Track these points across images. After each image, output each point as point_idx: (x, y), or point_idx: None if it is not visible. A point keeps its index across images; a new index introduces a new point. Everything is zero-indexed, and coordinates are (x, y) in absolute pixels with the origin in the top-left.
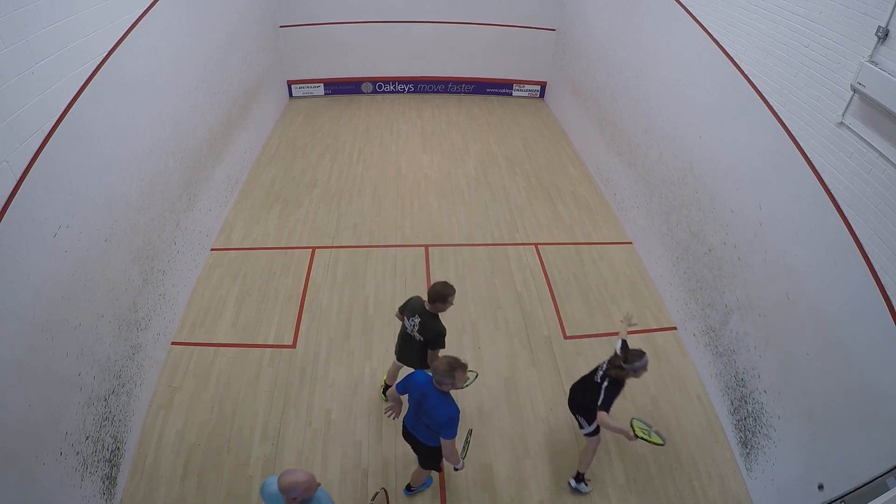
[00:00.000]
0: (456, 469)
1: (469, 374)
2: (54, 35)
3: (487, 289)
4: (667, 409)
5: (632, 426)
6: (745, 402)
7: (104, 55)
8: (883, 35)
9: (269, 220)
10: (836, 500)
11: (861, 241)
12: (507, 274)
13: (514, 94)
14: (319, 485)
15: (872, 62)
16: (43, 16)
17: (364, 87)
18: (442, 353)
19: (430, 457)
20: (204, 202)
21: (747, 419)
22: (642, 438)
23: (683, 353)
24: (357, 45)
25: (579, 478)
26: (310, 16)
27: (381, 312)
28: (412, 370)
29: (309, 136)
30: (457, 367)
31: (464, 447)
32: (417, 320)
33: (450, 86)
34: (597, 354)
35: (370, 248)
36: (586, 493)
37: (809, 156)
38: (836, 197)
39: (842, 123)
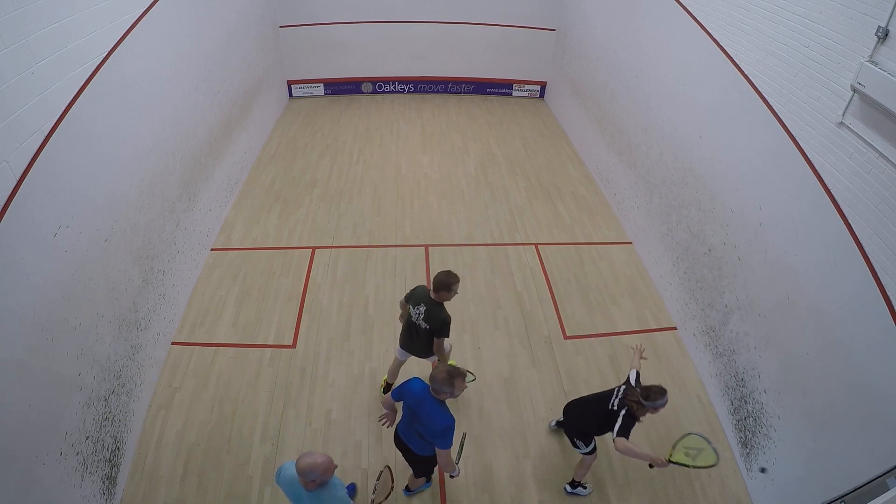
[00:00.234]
0: (451, 476)
1: (467, 374)
2: (54, 35)
3: (487, 289)
4: (667, 408)
5: (674, 448)
6: (745, 402)
7: (104, 55)
8: (883, 35)
9: (269, 220)
10: (836, 500)
11: (861, 241)
12: (507, 274)
13: (514, 94)
14: (336, 466)
15: (872, 62)
16: (43, 16)
17: (364, 87)
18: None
19: (421, 466)
20: (204, 202)
21: (747, 419)
22: (680, 464)
23: (683, 353)
24: (357, 45)
25: (574, 484)
26: (310, 16)
27: (381, 312)
28: (410, 377)
29: (309, 136)
30: (456, 376)
31: (458, 452)
32: (423, 309)
33: (450, 86)
34: (596, 354)
35: (370, 248)
36: (586, 495)
37: (809, 156)
38: (836, 197)
39: (842, 123)
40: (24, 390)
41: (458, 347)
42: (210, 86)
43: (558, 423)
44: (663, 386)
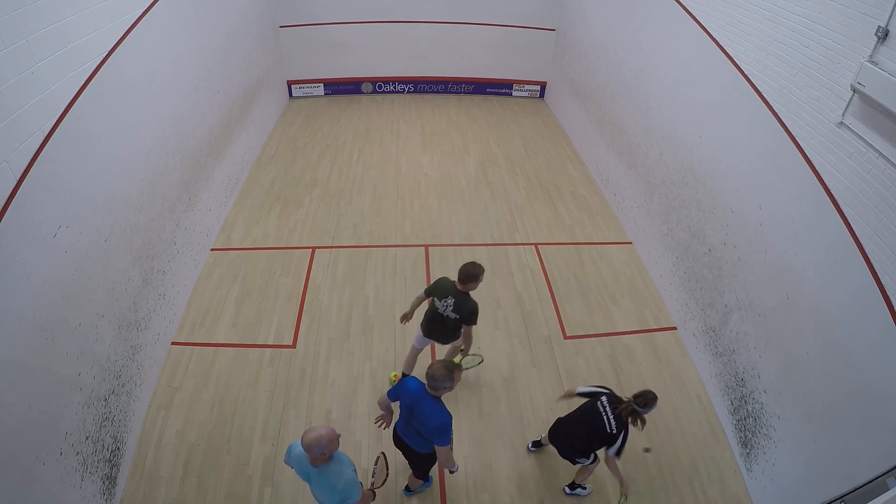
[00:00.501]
0: (451, 472)
1: (474, 357)
2: (54, 35)
3: (487, 289)
4: (667, 409)
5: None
6: (745, 402)
7: (104, 55)
8: (883, 35)
9: (269, 220)
10: (836, 500)
11: (861, 241)
12: (507, 274)
13: (514, 94)
14: (339, 435)
15: (872, 62)
16: (43, 16)
17: (364, 87)
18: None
19: (422, 464)
20: (204, 202)
21: (747, 419)
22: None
23: (683, 353)
24: (357, 45)
25: (574, 485)
26: (310, 16)
27: (381, 312)
28: (409, 379)
29: (309, 136)
30: (454, 369)
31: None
32: (451, 301)
33: (450, 86)
34: (596, 354)
35: (370, 248)
36: (587, 495)
37: (809, 156)
38: (836, 197)
39: (842, 123)
40: (24, 390)
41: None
42: (210, 86)
43: (535, 445)
44: (651, 390)
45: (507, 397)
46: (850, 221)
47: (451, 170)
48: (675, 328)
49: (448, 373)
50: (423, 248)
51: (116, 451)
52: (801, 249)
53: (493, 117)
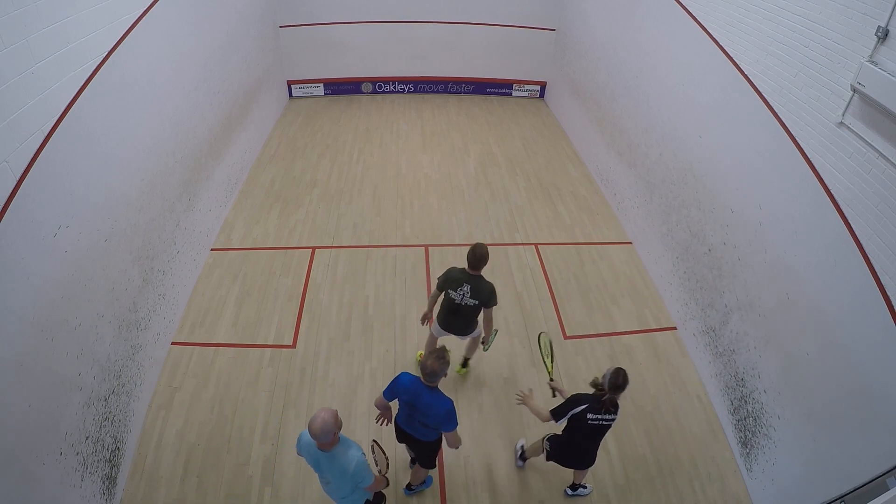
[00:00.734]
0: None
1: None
2: (54, 35)
3: None
4: (667, 409)
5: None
6: (745, 402)
7: (104, 55)
8: (883, 35)
9: (269, 220)
10: (836, 500)
11: (861, 241)
12: (506, 274)
13: (514, 94)
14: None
15: (872, 62)
16: (43, 16)
17: (364, 87)
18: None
19: (430, 453)
20: (204, 202)
21: (747, 419)
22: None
23: (683, 353)
24: (357, 45)
25: (575, 486)
26: (310, 16)
27: (381, 312)
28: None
29: (309, 136)
30: (444, 354)
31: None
32: (467, 287)
33: (450, 86)
34: (596, 354)
35: (370, 248)
36: (588, 494)
37: (809, 156)
38: (836, 197)
39: (842, 123)
40: (24, 390)
41: (458, 347)
42: (210, 86)
43: (522, 459)
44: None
45: (507, 397)
46: (850, 221)
47: (451, 170)
48: (675, 328)
49: (442, 362)
50: (423, 248)
51: (116, 451)
52: (801, 249)
53: (493, 117)
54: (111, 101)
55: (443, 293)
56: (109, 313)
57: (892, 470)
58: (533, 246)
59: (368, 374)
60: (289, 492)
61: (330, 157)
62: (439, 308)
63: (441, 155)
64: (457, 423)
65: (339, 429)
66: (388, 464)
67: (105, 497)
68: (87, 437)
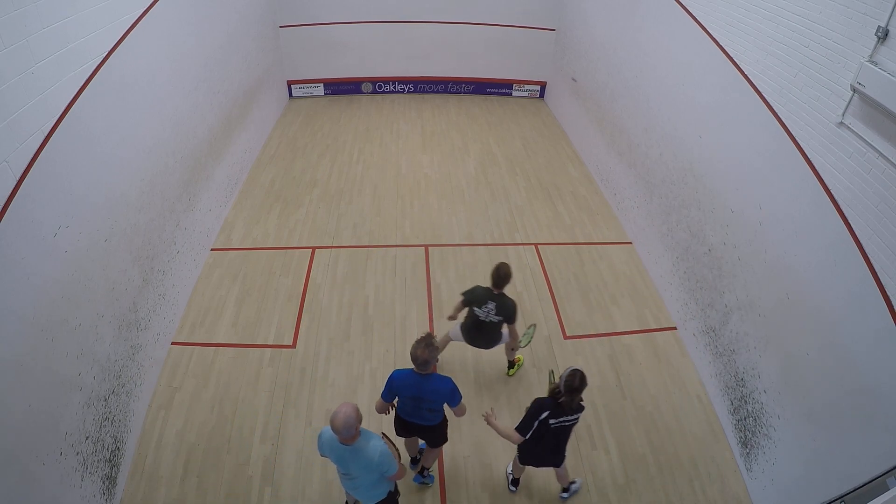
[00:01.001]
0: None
1: (528, 331)
2: (54, 35)
3: None
4: (667, 409)
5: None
6: (745, 402)
7: (104, 55)
8: (883, 35)
9: (269, 220)
10: (836, 500)
11: (861, 241)
12: None
13: (514, 94)
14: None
15: (872, 62)
16: (43, 16)
17: (364, 87)
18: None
19: (440, 433)
20: (204, 202)
21: (747, 419)
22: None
23: (683, 353)
24: (357, 45)
25: (566, 489)
26: (310, 16)
27: (381, 312)
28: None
29: (309, 136)
30: (432, 341)
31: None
32: (492, 305)
33: (450, 86)
34: (596, 354)
35: (370, 248)
36: (579, 487)
37: (809, 156)
38: (836, 197)
39: (842, 123)
40: (24, 390)
41: (458, 347)
42: (210, 86)
43: (514, 483)
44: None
45: (507, 397)
46: (850, 221)
47: (451, 170)
48: (675, 328)
49: (431, 349)
50: (423, 248)
51: (116, 451)
52: (801, 249)
53: (493, 117)
54: (111, 101)
55: (467, 308)
56: (109, 313)
57: (892, 470)
58: (533, 246)
59: (368, 374)
60: (289, 492)
61: (330, 157)
62: (464, 321)
63: (441, 155)
64: (461, 395)
65: (360, 422)
66: (399, 456)
67: (105, 497)
68: (87, 437)
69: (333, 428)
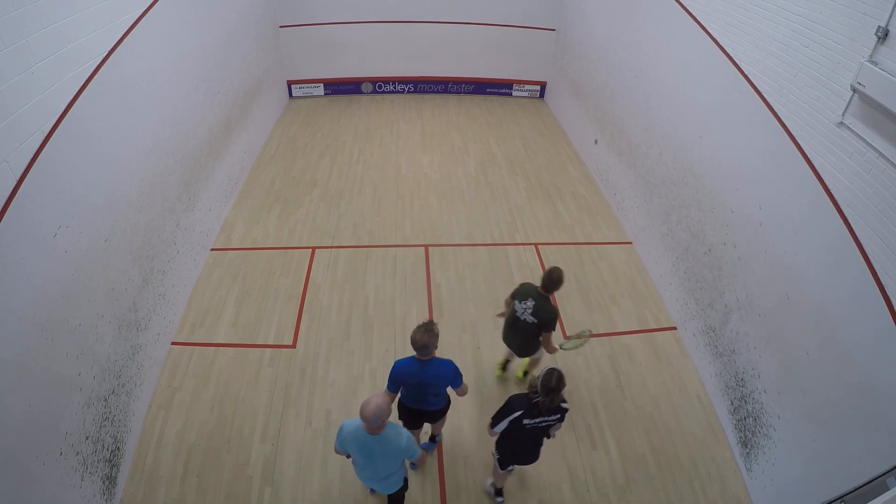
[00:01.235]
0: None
1: (580, 335)
2: (54, 35)
3: (487, 289)
4: (667, 409)
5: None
6: (745, 401)
7: (104, 55)
8: (883, 35)
9: (269, 220)
10: (836, 500)
11: (861, 241)
12: (507, 274)
13: (514, 94)
14: None
15: (872, 62)
16: (43, 16)
17: (364, 87)
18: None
19: (442, 413)
20: (204, 202)
21: (747, 419)
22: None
23: (683, 353)
24: (357, 45)
25: (498, 492)
26: (310, 16)
27: (381, 312)
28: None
29: (309, 136)
30: (433, 326)
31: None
32: (531, 303)
33: (450, 86)
34: (596, 354)
35: (370, 248)
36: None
37: (809, 156)
38: (836, 197)
39: (842, 123)
40: (24, 390)
41: (458, 347)
42: (210, 86)
43: (499, 494)
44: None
45: (506, 397)
46: (850, 221)
47: (451, 170)
48: (675, 328)
49: (431, 334)
50: (423, 248)
51: (116, 451)
52: (801, 249)
53: (493, 117)
54: (111, 101)
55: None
56: (109, 313)
57: (892, 470)
58: (533, 246)
59: (368, 374)
60: (289, 492)
61: (330, 157)
62: (507, 316)
63: (441, 155)
64: (462, 375)
65: (389, 415)
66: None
67: (105, 497)
68: (87, 437)
69: (363, 416)
